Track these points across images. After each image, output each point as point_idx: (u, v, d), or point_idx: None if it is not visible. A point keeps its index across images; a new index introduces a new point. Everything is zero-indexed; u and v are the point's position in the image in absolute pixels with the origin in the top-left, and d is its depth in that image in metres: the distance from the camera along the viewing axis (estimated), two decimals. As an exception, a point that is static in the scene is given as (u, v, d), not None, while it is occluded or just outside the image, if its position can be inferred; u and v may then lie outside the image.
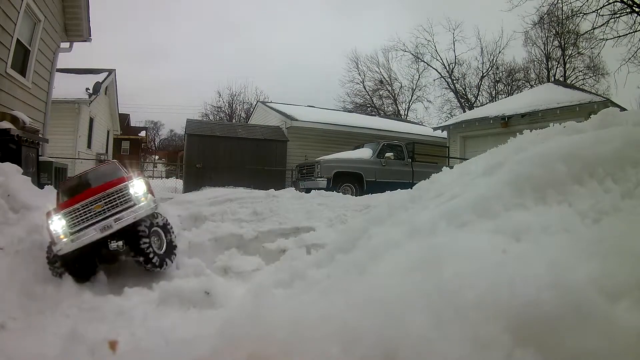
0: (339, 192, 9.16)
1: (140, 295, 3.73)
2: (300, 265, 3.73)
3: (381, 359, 1.29)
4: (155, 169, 30.82)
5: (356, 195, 9.18)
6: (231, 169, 13.04)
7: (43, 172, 7.20)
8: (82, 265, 4.16)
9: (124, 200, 4.21)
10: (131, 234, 4.18)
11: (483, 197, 2.29)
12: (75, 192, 4.67)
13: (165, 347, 2.21)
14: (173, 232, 4.66)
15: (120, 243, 4.15)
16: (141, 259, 4.18)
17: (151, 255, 4.18)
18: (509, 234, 1.84)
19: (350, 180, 10.72)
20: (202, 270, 4.42)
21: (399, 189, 6.60)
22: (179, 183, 14.68)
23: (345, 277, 2.29)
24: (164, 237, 4.48)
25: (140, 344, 2.59)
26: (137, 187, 4.31)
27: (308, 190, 8.62)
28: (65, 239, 3.95)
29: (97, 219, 4.08)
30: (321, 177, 10.40)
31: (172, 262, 4.42)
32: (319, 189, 8.84)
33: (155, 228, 4.40)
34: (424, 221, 2.46)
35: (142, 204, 4.24)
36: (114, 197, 4.18)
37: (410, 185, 5.08)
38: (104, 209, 4.13)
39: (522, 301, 1.24)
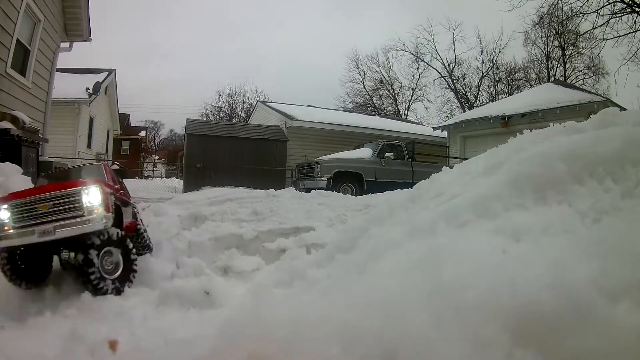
0: (339, 192, 9.16)
1: (140, 295, 3.73)
2: (300, 265, 3.73)
3: (381, 359, 1.29)
4: (155, 169, 30.84)
5: (356, 195, 9.19)
6: (231, 169, 13.04)
7: (43, 172, 7.20)
8: (29, 266, 3.81)
9: (72, 208, 3.66)
10: (79, 250, 3.68)
11: (483, 197, 2.29)
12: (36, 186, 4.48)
13: (165, 347, 2.21)
14: (133, 252, 4.05)
15: (72, 255, 3.67)
16: (86, 283, 3.66)
17: (96, 282, 3.61)
18: (509, 234, 1.84)
19: (350, 180, 10.72)
20: (202, 270, 4.41)
21: (399, 189, 6.60)
22: (179, 183, 14.67)
23: (345, 277, 2.29)
24: (120, 259, 3.90)
25: (140, 344, 2.59)
26: (92, 195, 3.71)
27: (308, 190, 8.62)
28: (9, 231, 3.58)
29: (41, 220, 3.61)
30: (321, 177, 10.40)
31: (126, 287, 3.85)
32: (319, 188, 8.85)
33: (108, 247, 3.80)
34: (424, 221, 2.46)
35: (93, 216, 3.65)
36: (61, 200, 3.66)
37: (410, 185, 5.09)
38: (51, 212, 3.63)
39: (522, 301, 1.25)
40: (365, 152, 11.61)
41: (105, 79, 16.76)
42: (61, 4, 9.34)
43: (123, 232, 4.04)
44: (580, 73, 28.55)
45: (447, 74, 33.29)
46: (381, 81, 35.65)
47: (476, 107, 26.97)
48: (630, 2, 13.44)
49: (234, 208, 6.72)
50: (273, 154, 14.27)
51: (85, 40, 10.20)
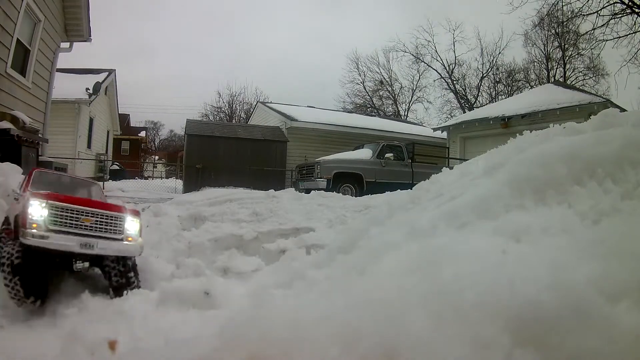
0: (338, 192, 9.16)
1: (140, 296, 3.73)
2: (300, 266, 3.74)
3: (381, 359, 1.29)
4: (155, 169, 30.83)
5: (356, 196, 9.18)
6: (231, 170, 13.02)
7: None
8: (34, 275, 3.45)
9: (115, 230, 3.85)
10: (109, 264, 3.96)
11: (483, 198, 2.29)
12: (65, 191, 4.33)
13: (165, 347, 2.20)
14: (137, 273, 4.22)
15: (87, 265, 3.82)
16: (125, 287, 3.91)
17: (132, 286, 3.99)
18: (509, 235, 1.84)
19: (350, 181, 10.71)
20: (202, 271, 4.41)
21: (399, 190, 6.61)
22: (178, 183, 14.66)
23: (345, 277, 2.30)
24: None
25: (140, 344, 2.59)
26: (131, 224, 3.99)
27: (308, 191, 8.62)
28: (37, 231, 3.37)
29: (79, 232, 3.60)
30: (321, 178, 10.39)
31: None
32: (318, 189, 8.85)
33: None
34: (424, 222, 2.46)
35: (130, 243, 3.93)
36: (108, 221, 3.81)
37: (410, 186, 5.09)
38: (92, 227, 3.70)
39: (521, 302, 1.25)
40: (365, 153, 11.60)
41: (105, 79, 16.75)
42: (61, 4, 9.34)
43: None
44: (580, 74, 28.60)
45: (447, 74, 33.33)
46: (381, 82, 35.65)
47: (476, 108, 26.97)
48: (630, 3, 13.46)
49: (234, 209, 6.72)
50: (273, 155, 14.25)
51: (85, 40, 10.20)
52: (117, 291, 3.89)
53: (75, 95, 14.12)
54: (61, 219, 3.57)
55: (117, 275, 3.99)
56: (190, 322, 3.06)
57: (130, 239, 3.95)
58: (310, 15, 71.57)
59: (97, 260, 3.94)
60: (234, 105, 39.13)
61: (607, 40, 14.73)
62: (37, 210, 3.46)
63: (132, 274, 4.05)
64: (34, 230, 3.38)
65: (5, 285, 3.34)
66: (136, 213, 4.17)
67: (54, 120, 10.08)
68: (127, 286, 3.96)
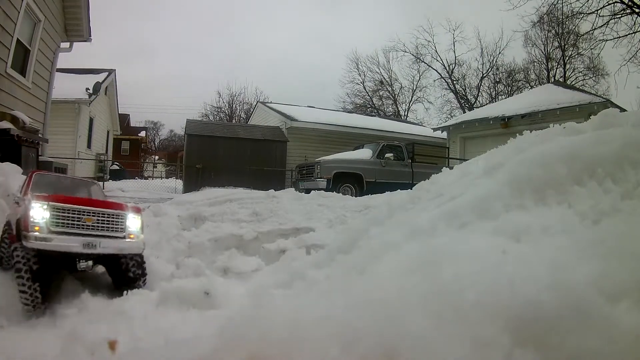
0: (338, 192, 9.16)
1: (140, 296, 3.72)
2: (300, 266, 3.74)
3: (381, 359, 1.29)
4: (155, 169, 30.82)
5: (356, 196, 9.17)
6: (231, 170, 13.01)
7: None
8: (48, 280, 3.53)
9: (116, 228, 3.84)
10: (114, 261, 4.01)
11: (483, 198, 2.29)
12: (66, 192, 4.32)
13: (165, 347, 2.20)
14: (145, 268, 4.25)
15: (90, 263, 3.82)
16: (130, 284, 3.97)
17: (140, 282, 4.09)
18: (509, 235, 1.84)
19: (350, 181, 10.71)
20: (202, 271, 4.41)
21: (399, 190, 6.61)
22: (178, 183, 14.65)
23: (345, 277, 2.30)
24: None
25: (140, 344, 2.59)
26: (133, 221, 3.99)
27: (308, 191, 8.62)
28: (39, 234, 3.39)
29: (81, 232, 3.60)
30: (321, 178, 10.39)
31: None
32: (318, 189, 8.84)
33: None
34: (424, 222, 2.46)
35: (132, 240, 3.92)
36: (109, 219, 3.80)
37: (410, 186, 5.09)
38: (94, 226, 3.69)
39: (521, 302, 1.25)
40: (365, 153, 11.60)
41: (105, 79, 16.75)
42: (61, 4, 9.35)
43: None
44: (580, 74, 28.59)
45: (447, 74, 33.32)
46: (381, 82, 35.63)
47: (476, 108, 26.97)
48: (630, 3, 13.46)
49: (234, 209, 6.72)
50: (273, 155, 14.24)
51: (85, 40, 10.21)
52: (122, 288, 3.86)
53: (75, 95, 14.12)
54: (63, 220, 3.56)
55: (127, 272, 4.03)
56: (190, 322, 3.06)
57: (132, 236, 3.94)
58: (310, 15, 71.58)
59: (101, 258, 3.94)
60: (234, 105, 39.15)
61: (607, 40, 14.73)
62: (39, 213, 3.45)
63: (138, 271, 4.07)
64: (37, 233, 3.39)
65: (22, 291, 3.31)
66: (137, 210, 4.16)
67: (54, 120, 10.08)
68: (133, 282, 3.99)
